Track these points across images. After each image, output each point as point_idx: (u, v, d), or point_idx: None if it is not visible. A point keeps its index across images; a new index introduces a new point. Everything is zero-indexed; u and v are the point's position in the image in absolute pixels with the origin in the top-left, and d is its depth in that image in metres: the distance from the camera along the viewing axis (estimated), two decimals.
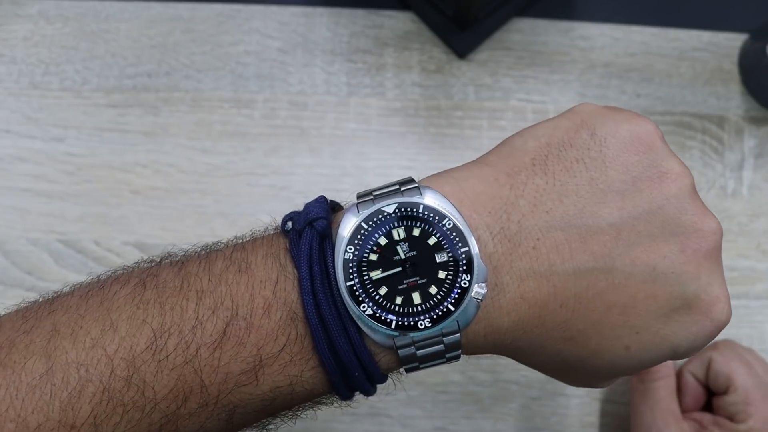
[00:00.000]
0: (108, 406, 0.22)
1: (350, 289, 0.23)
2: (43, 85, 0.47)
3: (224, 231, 0.45)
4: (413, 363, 0.24)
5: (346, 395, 0.25)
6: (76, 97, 0.47)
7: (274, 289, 0.23)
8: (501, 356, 0.44)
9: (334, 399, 0.26)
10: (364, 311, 0.23)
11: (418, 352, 0.23)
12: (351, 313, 0.23)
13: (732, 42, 0.50)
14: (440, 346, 0.23)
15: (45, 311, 0.24)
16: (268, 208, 0.46)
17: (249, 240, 0.26)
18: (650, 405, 0.39)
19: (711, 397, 0.41)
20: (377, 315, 0.23)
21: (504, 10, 0.48)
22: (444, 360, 0.24)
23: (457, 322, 0.23)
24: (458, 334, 0.23)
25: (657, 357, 0.25)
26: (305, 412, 0.27)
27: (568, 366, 0.25)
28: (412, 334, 0.23)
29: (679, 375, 0.42)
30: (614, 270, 0.23)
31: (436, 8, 0.48)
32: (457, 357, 0.24)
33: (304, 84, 0.48)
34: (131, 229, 0.45)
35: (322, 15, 0.49)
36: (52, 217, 0.45)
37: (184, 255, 0.25)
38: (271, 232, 0.26)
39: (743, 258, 0.47)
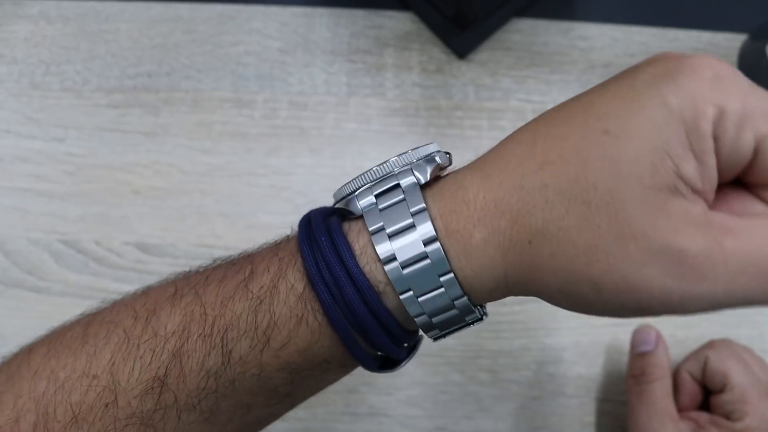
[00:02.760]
0: (125, 352, 0.24)
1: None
2: (44, 85, 0.47)
3: (224, 231, 0.45)
4: (392, 258, 0.22)
5: (326, 299, 0.23)
6: (76, 97, 0.47)
7: (286, 241, 0.25)
8: (500, 355, 0.44)
9: (345, 356, 0.25)
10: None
11: (404, 271, 0.22)
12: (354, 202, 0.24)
13: (732, 42, 0.50)
14: (426, 261, 0.22)
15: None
16: (269, 208, 0.46)
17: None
18: (646, 406, 0.39)
19: (708, 395, 0.41)
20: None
21: (504, 11, 0.48)
22: (438, 282, 0.22)
23: (430, 205, 0.23)
24: (438, 244, 0.22)
25: (648, 120, 0.20)
26: (317, 379, 0.26)
27: (573, 201, 0.21)
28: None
29: (675, 374, 0.42)
30: (579, 146, 0.21)
31: (436, 8, 0.48)
32: (449, 272, 0.22)
33: (304, 84, 0.48)
34: (132, 229, 0.45)
35: (322, 15, 0.49)
36: (52, 217, 0.45)
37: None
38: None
39: None
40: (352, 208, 0.24)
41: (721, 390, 0.39)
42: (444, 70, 0.49)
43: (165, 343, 0.24)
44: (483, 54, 0.49)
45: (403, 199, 0.23)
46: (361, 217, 0.24)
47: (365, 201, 0.23)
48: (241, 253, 0.26)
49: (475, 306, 0.24)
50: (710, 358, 0.40)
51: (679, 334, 0.45)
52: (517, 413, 0.44)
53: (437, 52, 0.49)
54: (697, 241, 0.19)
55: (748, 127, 0.20)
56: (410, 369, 0.44)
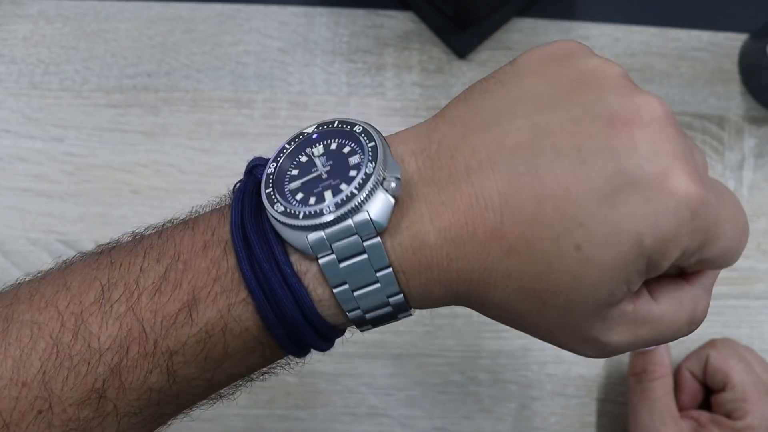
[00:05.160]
0: (56, 361, 0.22)
1: (268, 195, 0.23)
2: (43, 85, 0.47)
3: None
4: (341, 281, 0.23)
5: (278, 332, 0.23)
6: (75, 97, 0.47)
7: (213, 232, 0.24)
8: (500, 355, 0.44)
9: (287, 359, 0.25)
10: (276, 210, 0.23)
11: (341, 264, 0.22)
12: (268, 215, 0.23)
13: (732, 42, 0.50)
14: (363, 256, 0.22)
15: (11, 287, 0.25)
16: None
17: (203, 206, 0.26)
18: (648, 405, 0.39)
19: (709, 394, 0.41)
20: (287, 210, 0.23)
21: (504, 10, 0.48)
22: (377, 281, 0.22)
23: (368, 213, 0.22)
24: (377, 238, 0.22)
25: (619, 254, 0.21)
26: (260, 378, 0.26)
27: (530, 295, 0.23)
28: (322, 227, 0.22)
29: (676, 373, 0.42)
30: (534, 159, 0.21)
31: (436, 8, 0.48)
32: (392, 279, 0.22)
33: (304, 84, 0.48)
34: (131, 229, 0.45)
35: (322, 15, 0.49)
36: (52, 217, 0.45)
37: (145, 228, 0.26)
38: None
39: (743, 258, 0.46)
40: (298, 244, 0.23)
41: (722, 389, 0.39)
42: (444, 70, 0.49)
43: (100, 356, 0.22)
44: (483, 54, 0.49)
45: (366, 258, 0.22)
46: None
47: (320, 246, 0.22)
48: (155, 232, 0.25)
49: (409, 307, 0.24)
50: (711, 357, 0.40)
51: None
52: (517, 413, 0.44)
53: (437, 51, 0.49)
54: (622, 335, 0.23)
55: (698, 253, 0.23)
56: (410, 369, 0.44)
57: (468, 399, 0.44)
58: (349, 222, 0.22)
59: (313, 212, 0.22)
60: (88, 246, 0.45)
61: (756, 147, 0.48)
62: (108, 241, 0.26)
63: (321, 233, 0.22)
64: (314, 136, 0.25)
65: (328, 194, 0.23)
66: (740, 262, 0.46)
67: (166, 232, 0.24)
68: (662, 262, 0.22)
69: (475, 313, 0.25)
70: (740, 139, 0.48)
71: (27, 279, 0.25)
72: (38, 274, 0.25)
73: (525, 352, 0.45)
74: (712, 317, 0.46)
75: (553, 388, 0.45)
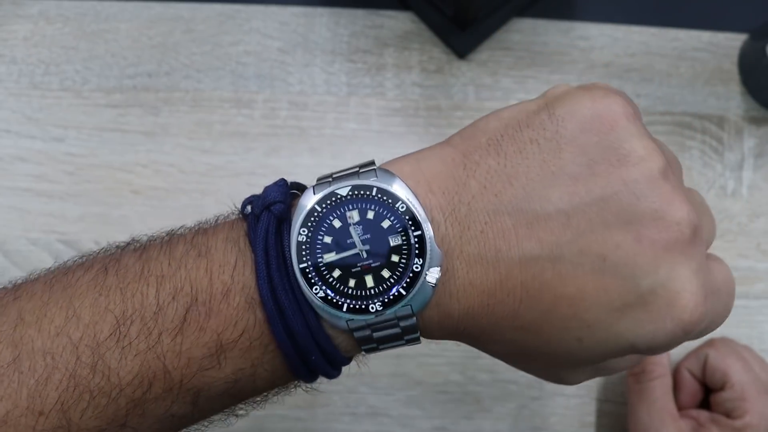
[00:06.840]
0: (75, 393, 0.22)
1: (303, 271, 0.23)
2: (44, 85, 0.47)
3: None
4: (371, 344, 0.24)
5: (309, 379, 0.25)
6: (76, 97, 0.47)
7: (232, 274, 0.23)
8: None
9: (300, 384, 0.26)
10: (316, 294, 0.23)
11: (374, 334, 0.24)
12: (305, 294, 0.23)
13: (732, 42, 0.50)
14: (397, 329, 0.23)
15: (10, 298, 0.24)
16: None
17: (211, 225, 0.26)
18: (647, 405, 0.39)
19: (708, 394, 0.41)
20: (329, 298, 0.23)
21: (504, 10, 0.48)
22: (403, 342, 0.24)
23: (411, 306, 0.23)
24: (414, 318, 0.23)
25: (614, 351, 0.23)
26: (274, 398, 0.27)
27: (525, 354, 0.25)
28: (365, 319, 0.23)
29: (675, 372, 0.42)
30: (561, 259, 0.22)
31: (436, 8, 0.48)
32: (417, 340, 0.24)
33: (304, 84, 0.48)
34: (131, 229, 0.45)
35: (322, 15, 0.49)
36: (52, 217, 0.45)
37: (147, 240, 0.25)
38: (234, 217, 0.26)
39: (743, 258, 0.47)
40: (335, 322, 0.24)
41: (721, 388, 0.39)
42: (444, 70, 0.49)
43: (121, 390, 0.22)
44: (483, 54, 0.49)
45: (399, 330, 0.24)
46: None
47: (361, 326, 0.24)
48: (163, 253, 0.24)
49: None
50: (710, 356, 0.40)
51: None
52: (517, 413, 0.44)
53: (437, 52, 0.49)
54: (585, 377, 0.28)
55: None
56: (410, 369, 0.44)
57: (468, 399, 0.44)
58: (393, 313, 0.23)
59: (358, 307, 0.23)
60: (89, 246, 0.45)
61: (756, 147, 0.48)
62: (105, 246, 0.26)
63: (363, 322, 0.23)
64: (349, 200, 0.24)
65: (369, 279, 0.23)
66: (740, 262, 0.46)
67: (175, 257, 0.24)
68: (646, 355, 0.25)
69: None
70: (740, 139, 0.48)
71: (24, 291, 0.24)
72: (35, 278, 0.25)
73: None
74: None
75: (553, 388, 0.45)
